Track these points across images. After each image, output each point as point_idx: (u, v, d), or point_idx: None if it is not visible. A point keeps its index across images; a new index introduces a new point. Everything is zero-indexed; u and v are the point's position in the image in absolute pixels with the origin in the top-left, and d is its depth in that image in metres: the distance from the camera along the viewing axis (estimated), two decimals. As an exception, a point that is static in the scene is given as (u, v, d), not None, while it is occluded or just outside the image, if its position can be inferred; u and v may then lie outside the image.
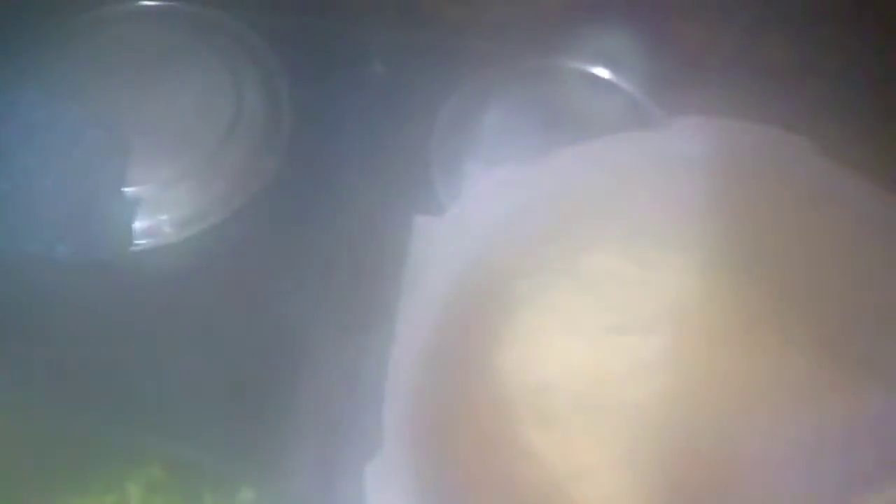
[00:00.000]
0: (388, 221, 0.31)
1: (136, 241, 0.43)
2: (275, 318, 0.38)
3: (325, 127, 0.48)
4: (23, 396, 0.36)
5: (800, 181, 0.27)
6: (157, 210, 0.44)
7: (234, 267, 0.42)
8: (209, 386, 0.34)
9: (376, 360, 0.22)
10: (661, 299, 0.32)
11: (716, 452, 0.29)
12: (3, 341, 0.38)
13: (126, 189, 0.44)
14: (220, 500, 0.30)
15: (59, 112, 0.44)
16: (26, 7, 0.48)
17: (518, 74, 0.49)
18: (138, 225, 0.44)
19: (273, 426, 0.30)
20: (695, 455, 0.28)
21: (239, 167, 0.46)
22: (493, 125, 0.48)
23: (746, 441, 0.30)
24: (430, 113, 0.48)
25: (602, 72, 0.49)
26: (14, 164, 0.43)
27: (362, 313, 0.29)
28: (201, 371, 0.35)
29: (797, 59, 0.47)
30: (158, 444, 0.33)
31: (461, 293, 0.24)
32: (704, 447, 0.29)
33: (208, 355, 0.36)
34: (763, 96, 0.46)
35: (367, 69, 0.50)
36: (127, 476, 0.32)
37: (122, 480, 0.32)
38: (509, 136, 0.47)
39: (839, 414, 0.30)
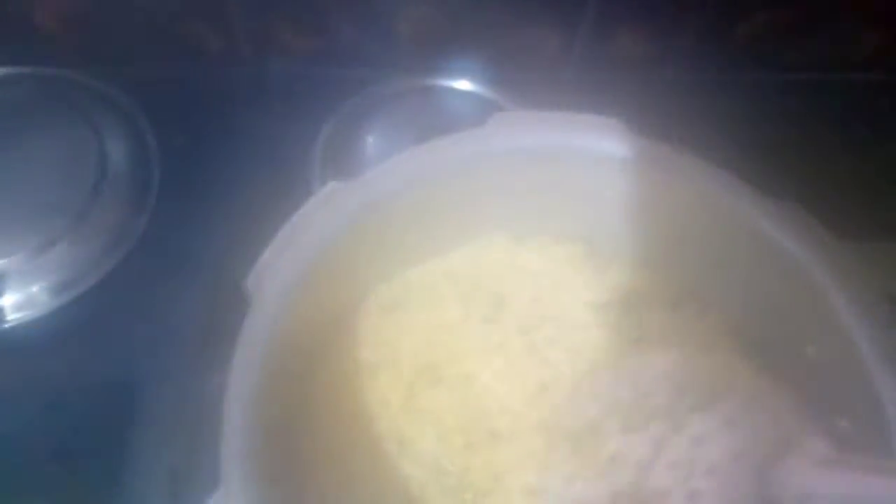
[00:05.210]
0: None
1: (10, 317, 0.41)
2: (140, 374, 0.36)
3: (196, 173, 0.47)
4: None
5: (613, 158, 0.28)
6: (28, 281, 0.42)
7: (111, 327, 0.41)
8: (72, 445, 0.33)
9: (215, 400, 0.21)
10: (522, 286, 0.32)
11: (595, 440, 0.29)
12: None
13: (-9, 264, 0.42)
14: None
15: None
16: None
17: (386, 97, 0.49)
18: (10, 299, 0.42)
19: (126, 477, 0.29)
20: (562, 466, 0.28)
21: (109, 224, 0.44)
22: (367, 149, 0.48)
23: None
24: (304, 147, 0.47)
25: (465, 85, 0.50)
26: None
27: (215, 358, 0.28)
28: (67, 433, 0.33)
29: (644, 51, 0.49)
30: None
31: (295, 315, 0.24)
32: (582, 456, 0.29)
33: (74, 417, 0.34)
34: (617, 89, 0.48)
35: (234, 111, 0.49)
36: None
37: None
38: (384, 157, 0.47)
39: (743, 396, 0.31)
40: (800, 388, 0.27)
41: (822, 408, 0.26)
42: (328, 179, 0.47)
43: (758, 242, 0.27)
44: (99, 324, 0.41)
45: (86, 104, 0.48)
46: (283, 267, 0.24)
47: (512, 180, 0.29)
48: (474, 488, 0.28)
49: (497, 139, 0.28)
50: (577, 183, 0.29)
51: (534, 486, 0.27)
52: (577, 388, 0.29)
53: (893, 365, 0.24)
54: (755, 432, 0.25)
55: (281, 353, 0.23)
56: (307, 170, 0.47)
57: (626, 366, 0.29)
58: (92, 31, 0.48)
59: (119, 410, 0.34)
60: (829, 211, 0.29)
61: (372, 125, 0.49)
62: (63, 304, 0.42)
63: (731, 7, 0.48)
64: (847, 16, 0.48)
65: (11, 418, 0.37)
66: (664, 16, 0.48)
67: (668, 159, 0.28)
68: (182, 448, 0.26)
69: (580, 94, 0.48)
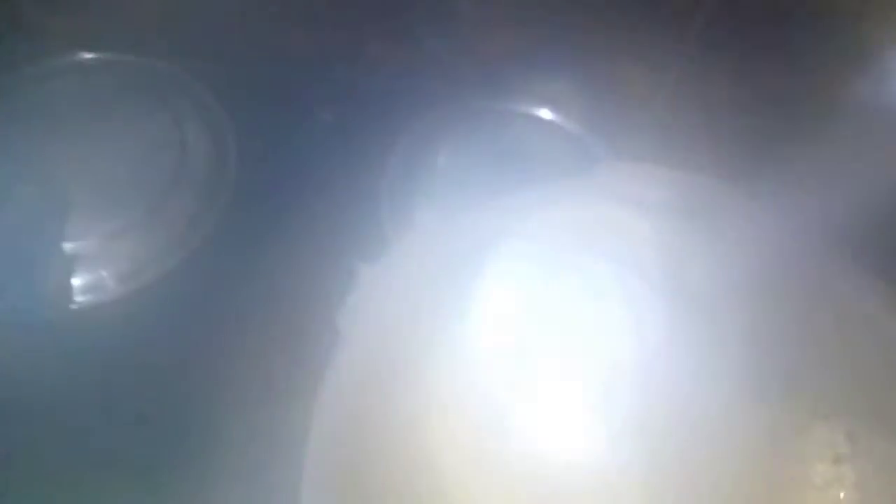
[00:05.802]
0: (334, 270, 0.30)
1: (77, 299, 0.42)
2: (209, 375, 0.36)
3: (272, 175, 0.47)
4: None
5: (729, 227, 0.27)
6: (98, 265, 0.43)
7: (175, 321, 0.41)
8: (139, 452, 0.33)
9: (301, 417, 0.21)
10: (613, 341, 0.31)
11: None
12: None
13: (65, 245, 0.43)
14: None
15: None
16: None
17: (464, 117, 0.49)
18: (79, 281, 0.42)
19: (197, 489, 0.29)
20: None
21: (182, 218, 0.45)
22: (441, 167, 0.48)
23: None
24: (378, 158, 0.47)
25: (547, 114, 0.49)
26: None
27: (295, 369, 0.28)
28: (132, 437, 0.34)
29: (740, 96, 0.48)
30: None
31: (389, 348, 0.24)
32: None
33: (131, 417, 0.35)
34: (704, 136, 0.47)
35: (315, 116, 0.50)
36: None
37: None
38: (458, 179, 0.47)
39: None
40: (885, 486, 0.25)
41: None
42: (400, 194, 0.48)
43: (865, 330, 0.25)
44: (163, 318, 0.41)
45: (173, 98, 0.49)
46: (373, 307, 0.24)
47: (619, 234, 0.29)
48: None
49: (616, 189, 0.27)
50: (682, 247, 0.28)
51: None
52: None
53: None
54: None
55: (364, 394, 0.22)
56: (381, 182, 0.47)
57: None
58: (187, 26, 0.49)
59: (182, 416, 0.34)
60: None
61: (448, 143, 0.49)
62: (129, 291, 0.42)
63: (830, 59, 0.47)
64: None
65: (67, 407, 0.37)
66: (762, 62, 0.46)
67: (776, 233, 0.27)
68: (257, 482, 0.26)
69: (667, 135, 0.47)
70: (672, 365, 0.31)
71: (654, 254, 0.31)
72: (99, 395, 0.38)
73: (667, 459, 0.29)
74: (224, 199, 0.46)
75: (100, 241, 0.43)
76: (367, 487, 0.24)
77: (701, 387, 0.31)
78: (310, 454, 0.20)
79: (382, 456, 0.26)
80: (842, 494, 0.26)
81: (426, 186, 0.47)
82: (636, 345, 0.32)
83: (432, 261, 0.26)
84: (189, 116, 0.48)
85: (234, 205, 0.45)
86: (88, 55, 0.51)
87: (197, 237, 0.44)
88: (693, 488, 0.28)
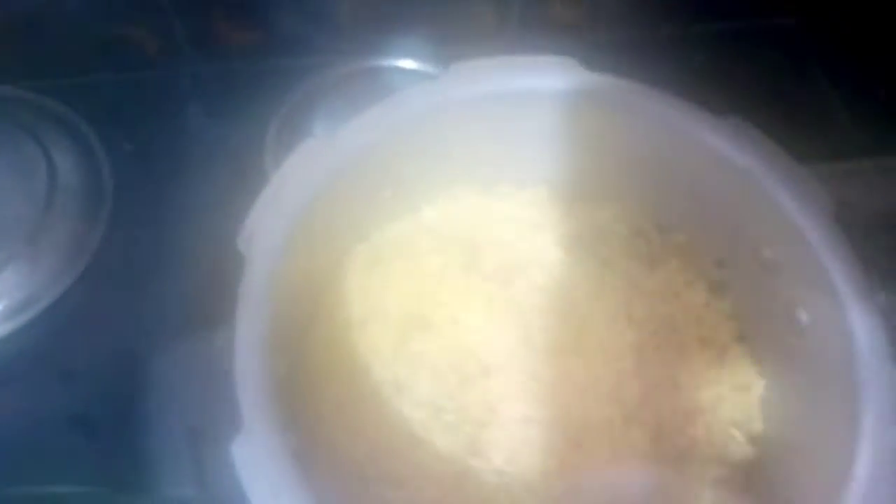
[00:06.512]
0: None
1: (-31, 342, 0.40)
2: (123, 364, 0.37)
3: (153, 180, 0.46)
4: None
5: (565, 95, 0.30)
6: (-17, 304, 0.41)
7: (67, 352, 0.40)
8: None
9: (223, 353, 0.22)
10: (494, 231, 0.33)
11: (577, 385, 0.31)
12: None
13: (-56, 289, 0.41)
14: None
15: None
16: None
17: (331, 83, 0.50)
18: (-32, 323, 0.40)
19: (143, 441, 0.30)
20: (552, 393, 0.30)
21: (63, 242, 0.43)
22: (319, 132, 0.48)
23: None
24: (254, 141, 0.47)
25: (409, 63, 0.51)
26: None
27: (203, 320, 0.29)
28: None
29: (575, 15, 0.52)
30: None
31: (286, 273, 0.25)
32: (568, 381, 0.30)
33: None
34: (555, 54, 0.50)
35: (180, 112, 0.49)
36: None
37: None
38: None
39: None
40: (760, 288, 0.29)
41: (783, 304, 0.28)
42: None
43: (710, 159, 0.29)
44: (58, 345, 0.40)
45: (27, 118, 0.47)
46: (271, 225, 0.25)
47: (473, 128, 0.31)
48: (472, 422, 0.29)
49: (456, 87, 0.29)
50: (532, 125, 0.31)
51: (528, 415, 0.29)
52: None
53: (847, 258, 0.26)
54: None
55: (279, 310, 0.23)
56: (260, 163, 0.47)
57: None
58: (23, 43, 0.47)
59: (90, 443, 0.34)
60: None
61: (320, 112, 0.49)
62: (21, 325, 0.41)
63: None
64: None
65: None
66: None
67: (619, 90, 0.29)
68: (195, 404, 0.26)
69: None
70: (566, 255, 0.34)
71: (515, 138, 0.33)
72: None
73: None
74: (104, 211, 0.45)
75: (-19, 280, 0.41)
76: (300, 400, 0.25)
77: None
78: (239, 365, 0.21)
79: (309, 370, 0.27)
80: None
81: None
82: (532, 244, 0.34)
83: (320, 175, 0.27)
84: (50, 134, 0.46)
85: (116, 214, 0.44)
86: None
87: (83, 255, 0.43)
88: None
